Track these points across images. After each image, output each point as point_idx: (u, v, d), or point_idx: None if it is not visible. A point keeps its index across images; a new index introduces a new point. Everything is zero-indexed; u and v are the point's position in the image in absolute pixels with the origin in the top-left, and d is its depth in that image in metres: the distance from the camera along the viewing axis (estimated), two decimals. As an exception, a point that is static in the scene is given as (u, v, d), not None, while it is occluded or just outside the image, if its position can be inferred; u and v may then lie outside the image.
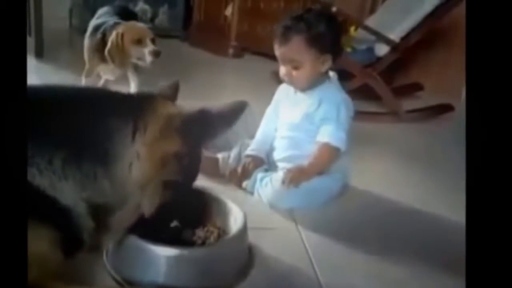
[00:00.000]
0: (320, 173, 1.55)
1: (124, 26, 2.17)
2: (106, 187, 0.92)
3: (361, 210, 1.59)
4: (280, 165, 1.62)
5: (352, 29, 2.86)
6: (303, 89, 1.59)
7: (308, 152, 1.53)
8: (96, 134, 0.92)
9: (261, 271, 1.17)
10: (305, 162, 1.52)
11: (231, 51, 3.89)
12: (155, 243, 1.04)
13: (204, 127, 0.98)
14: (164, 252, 1.04)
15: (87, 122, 0.92)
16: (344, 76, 2.67)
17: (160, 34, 4.09)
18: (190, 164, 1.02)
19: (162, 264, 1.03)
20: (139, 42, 2.15)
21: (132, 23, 2.27)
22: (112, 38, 2.13)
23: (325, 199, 1.57)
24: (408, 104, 2.78)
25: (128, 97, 1.04)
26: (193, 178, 1.09)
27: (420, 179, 1.92)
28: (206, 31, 4.11)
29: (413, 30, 2.58)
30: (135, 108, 0.96)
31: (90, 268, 1.10)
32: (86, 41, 2.32)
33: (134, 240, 1.04)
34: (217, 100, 2.83)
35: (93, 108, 0.95)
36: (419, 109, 2.74)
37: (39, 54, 3.15)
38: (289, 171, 1.49)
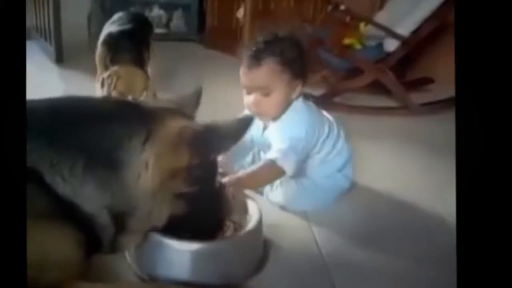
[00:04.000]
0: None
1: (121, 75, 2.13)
2: (119, 194, 0.94)
3: (375, 208, 1.59)
4: None
5: (361, 25, 2.89)
6: (273, 119, 1.48)
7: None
8: (109, 142, 0.95)
9: (276, 265, 1.20)
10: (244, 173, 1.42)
11: (244, 52, 3.95)
12: (175, 239, 1.08)
13: (212, 142, 0.99)
14: (185, 247, 1.08)
15: (101, 130, 0.95)
16: (355, 73, 2.74)
17: (175, 37, 4.24)
18: (203, 176, 1.03)
19: (184, 259, 1.08)
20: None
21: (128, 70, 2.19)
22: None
23: (335, 196, 1.58)
24: (419, 97, 2.78)
25: (141, 107, 1.06)
26: (209, 189, 1.09)
27: (433, 177, 1.89)
28: (219, 33, 4.18)
29: (422, 24, 2.60)
30: (147, 119, 0.99)
31: (114, 264, 1.13)
32: (98, 48, 2.35)
33: (155, 237, 1.08)
34: (231, 98, 2.90)
35: (108, 117, 0.98)
36: (432, 102, 2.76)
37: (59, 60, 3.27)
38: (230, 183, 1.35)
